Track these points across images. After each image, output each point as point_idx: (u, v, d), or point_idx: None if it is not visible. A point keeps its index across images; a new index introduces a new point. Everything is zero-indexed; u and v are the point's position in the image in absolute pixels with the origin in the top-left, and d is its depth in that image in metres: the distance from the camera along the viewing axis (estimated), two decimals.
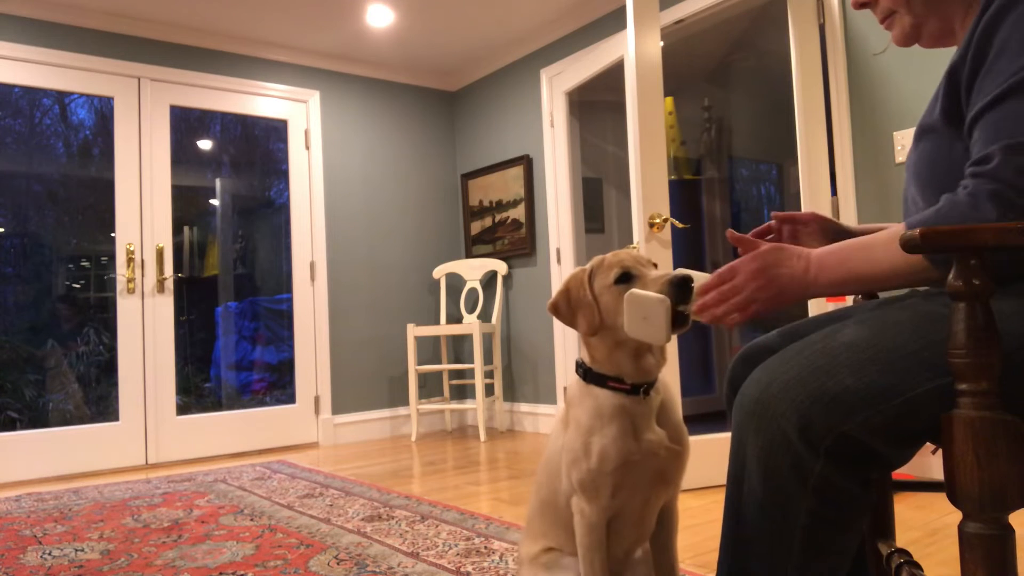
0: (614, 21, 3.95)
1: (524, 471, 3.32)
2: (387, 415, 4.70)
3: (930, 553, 1.94)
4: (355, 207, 4.71)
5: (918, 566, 1.12)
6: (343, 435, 4.50)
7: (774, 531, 0.95)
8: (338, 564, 2.00)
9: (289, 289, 4.47)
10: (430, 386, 4.91)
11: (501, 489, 2.97)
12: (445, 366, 4.54)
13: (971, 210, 0.86)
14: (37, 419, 3.75)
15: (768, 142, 4.96)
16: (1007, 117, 0.88)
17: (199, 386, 4.33)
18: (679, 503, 1.38)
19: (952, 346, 0.82)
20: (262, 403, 4.46)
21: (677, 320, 1.11)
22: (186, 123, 4.30)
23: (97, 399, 3.90)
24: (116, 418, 3.85)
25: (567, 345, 4.26)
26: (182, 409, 4.07)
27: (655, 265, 1.25)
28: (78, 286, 4.00)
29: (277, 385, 4.51)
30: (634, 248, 2.94)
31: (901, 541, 2.04)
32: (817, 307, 2.79)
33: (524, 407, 4.60)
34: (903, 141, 2.80)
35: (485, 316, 4.73)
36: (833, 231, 1.27)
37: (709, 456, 2.80)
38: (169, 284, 4.04)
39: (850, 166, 2.96)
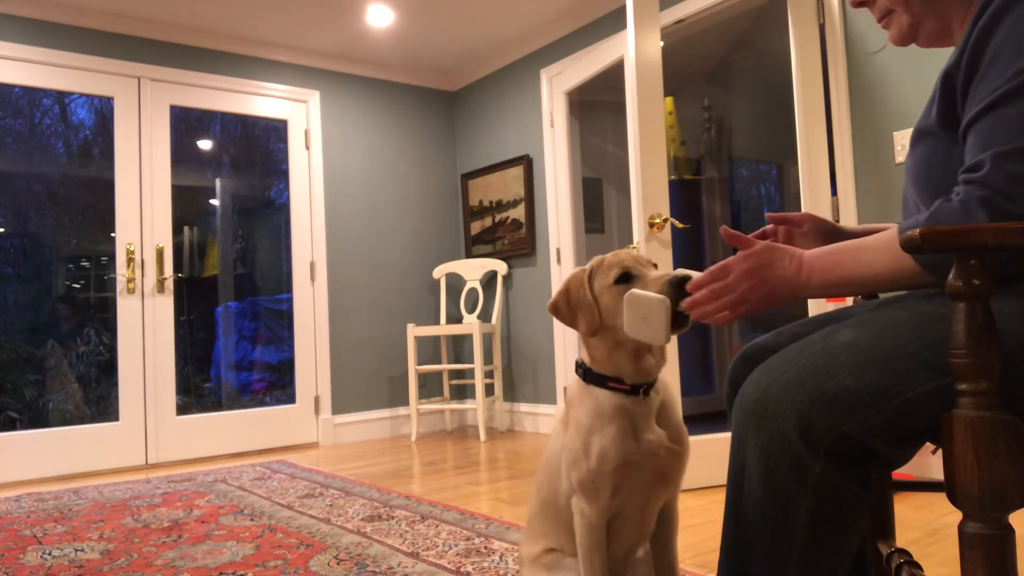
0: (614, 21, 3.95)
1: (524, 471, 3.32)
2: (387, 415, 4.70)
3: (930, 553, 1.94)
4: (355, 207, 4.71)
5: (918, 566, 1.12)
6: (343, 435, 4.50)
7: (774, 531, 0.95)
8: (338, 564, 2.00)
9: (289, 289, 4.47)
10: (430, 386, 4.91)
11: (501, 489, 2.97)
12: (445, 366, 4.54)
13: (962, 216, 0.87)
14: (37, 419, 3.75)
15: (768, 142, 4.96)
16: (999, 124, 0.88)
17: (199, 386, 4.33)
18: (679, 503, 1.38)
19: (952, 346, 0.82)
20: (262, 403, 4.46)
21: (677, 321, 1.11)
22: (186, 123, 4.30)
23: (97, 399, 3.90)
24: (116, 418, 3.85)
25: (567, 345, 4.26)
26: (182, 409, 4.07)
27: (655, 265, 1.25)
28: (78, 286, 4.00)
29: (277, 385, 4.51)
30: (634, 248, 2.94)
31: (901, 541, 2.04)
32: (817, 307, 2.79)
33: (524, 407, 4.60)
34: (903, 141, 2.80)
35: (485, 316, 4.73)
36: (828, 232, 1.27)
37: (709, 456, 2.80)
38: (169, 284, 4.04)
39: (850, 166, 2.96)
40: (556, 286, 4.36)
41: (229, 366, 4.49)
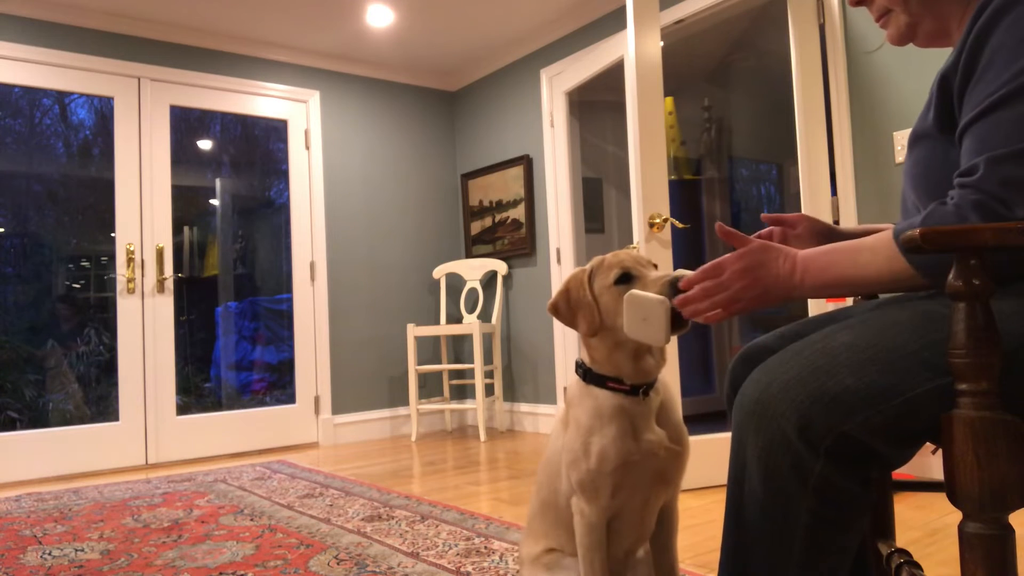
0: (614, 21, 3.95)
1: (524, 471, 3.32)
2: (387, 415, 4.70)
3: (930, 553, 1.94)
4: (355, 207, 4.71)
5: (918, 566, 1.12)
6: (343, 435, 4.50)
7: (775, 531, 0.95)
8: (338, 564, 2.00)
9: (289, 289, 4.47)
10: (430, 386, 4.91)
11: (501, 489, 2.97)
12: (445, 366, 4.54)
13: (956, 220, 0.87)
14: (37, 419, 3.75)
15: (768, 142, 4.96)
16: (994, 128, 0.88)
17: (199, 386, 4.33)
18: (679, 503, 1.38)
19: (952, 346, 0.82)
20: (262, 403, 4.46)
21: (677, 322, 1.11)
22: (186, 123, 4.30)
23: (97, 399, 3.90)
24: (116, 418, 3.85)
25: (567, 345, 4.26)
26: (182, 409, 4.08)
27: (655, 266, 1.25)
28: (78, 286, 4.00)
29: (277, 385, 4.51)
30: (634, 248, 2.94)
31: (901, 541, 2.04)
32: (817, 307, 2.79)
33: (524, 407, 4.60)
34: (903, 141, 2.80)
35: (485, 316, 4.73)
36: (823, 233, 1.26)
37: (709, 456, 2.80)
38: (169, 284, 4.04)
39: (850, 166, 2.96)
40: (556, 286, 4.36)
41: (229, 366, 4.49)
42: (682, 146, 4.90)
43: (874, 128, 2.90)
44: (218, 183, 4.55)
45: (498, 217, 4.76)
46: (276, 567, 2.00)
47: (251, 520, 2.55)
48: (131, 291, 3.92)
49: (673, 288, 1.12)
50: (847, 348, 0.91)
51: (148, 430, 3.92)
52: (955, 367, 0.81)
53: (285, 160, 4.54)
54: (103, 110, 4.02)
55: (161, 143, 4.08)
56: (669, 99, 4.50)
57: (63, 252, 3.95)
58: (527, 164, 4.54)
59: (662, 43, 2.94)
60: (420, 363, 4.76)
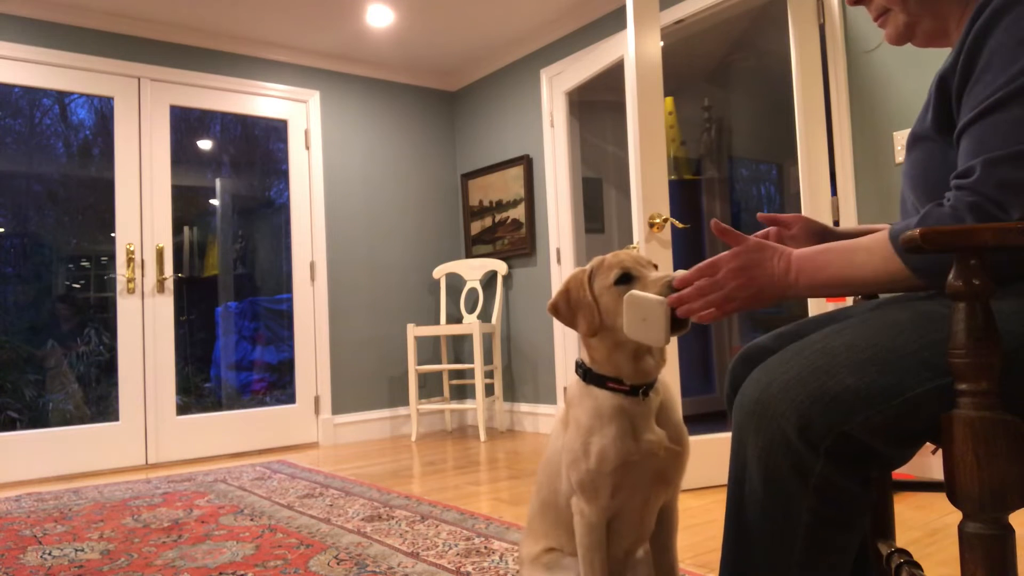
0: (614, 21, 3.95)
1: (524, 471, 3.32)
2: (387, 415, 4.70)
3: (930, 553, 1.94)
4: (355, 207, 4.71)
5: (918, 566, 1.12)
6: (343, 435, 4.50)
7: (776, 531, 0.95)
8: (338, 564, 2.00)
9: (289, 289, 4.47)
10: (430, 386, 4.91)
11: (501, 489, 2.97)
12: (445, 366, 4.54)
13: (952, 222, 0.88)
14: (37, 419, 3.75)
15: (768, 142, 4.96)
16: (991, 130, 0.88)
17: (199, 386, 4.33)
18: (679, 503, 1.38)
19: (952, 346, 0.82)
20: (262, 403, 4.46)
21: (677, 322, 1.11)
22: (186, 123, 4.30)
23: (97, 399, 3.90)
24: (116, 418, 3.85)
25: (567, 345, 4.26)
26: (182, 409, 4.08)
27: (655, 266, 1.25)
28: (78, 286, 4.00)
29: (277, 385, 4.51)
30: (634, 248, 2.94)
31: (901, 541, 2.04)
32: (817, 307, 2.79)
33: (524, 407, 4.60)
34: (903, 141, 2.80)
35: (485, 316, 4.73)
36: (818, 233, 1.26)
37: (709, 456, 2.80)
38: (169, 284, 4.04)
39: (850, 166, 2.96)
40: (556, 286, 4.36)
41: (229, 366, 4.49)
42: (682, 146, 4.90)
43: (874, 128, 2.90)
44: (218, 183, 4.55)
45: (498, 217, 4.76)
46: (276, 567, 2.00)
47: (251, 520, 2.55)
48: (131, 291, 3.92)
49: (673, 289, 1.12)
50: (847, 348, 0.91)
51: (148, 430, 3.92)
52: (955, 367, 0.81)
53: (285, 160, 4.54)
54: (103, 110, 4.02)
55: (161, 143, 4.08)
56: (669, 99, 4.50)
57: (63, 252, 3.95)
58: (527, 164, 4.54)
59: (662, 43, 2.94)
60: (420, 363, 4.76)
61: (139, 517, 2.65)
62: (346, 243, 4.65)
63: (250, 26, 4.16)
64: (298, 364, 4.43)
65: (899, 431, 0.88)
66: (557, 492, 1.32)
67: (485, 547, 2.11)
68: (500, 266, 4.64)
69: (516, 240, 4.62)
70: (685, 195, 4.97)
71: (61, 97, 4.00)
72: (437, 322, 4.89)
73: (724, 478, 2.74)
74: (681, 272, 1.13)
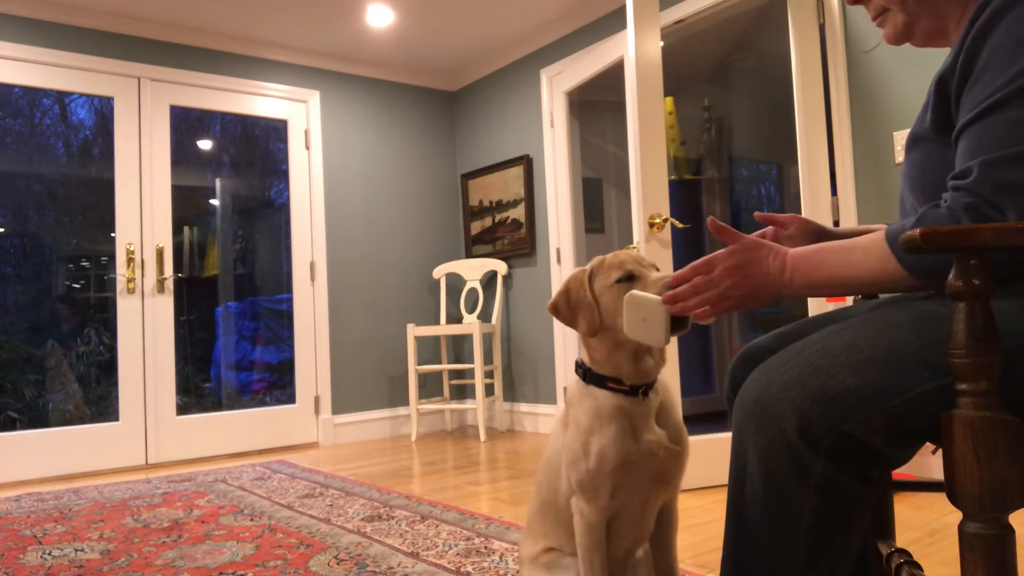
0: (614, 21, 3.95)
1: (524, 471, 3.32)
2: (387, 415, 4.70)
3: (930, 553, 1.94)
4: (355, 207, 4.71)
5: (918, 566, 1.12)
6: (343, 435, 4.50)
7: (776, 531, 0.95)
8: (338, 564, 2.00)
9: (289, 289, 4.47)
10: (430, 386, 4.91)
11: (501, 489, 2.97)
12: (445, 366, 4.54)
13: (949, 222, 0.88)
14: (37, 419, 3.75)
15: (768, 142, 4.96)
16: (989, 131, 0.88)
17: (199, 386, 4.33)
18: (679, 503, 1.38)
19: (952, 346, 0.82)
20: (262, 403, 4.46)
21: (677, 322, 1.11)
22: (186, 123, 4.30)
23: (97, 399, 3.90)
24: (116, 418, 3.85)
25: (567, 345, 4.26)
26: (182, 409, 4.08)
27: (656, 267, 1.25)
28: (78, 286, 4.00)
29: (277, 385, 4.51)
30: (634, 248, 2.94)
31: (901, 541, 2.04)
32: (817, 307, 2.79)
33: (524, 407, 4.60)
34: (903, 141, 2.80)
35: (485, 316, 4.73)
36: (815, 233, 1.26)
37: (709, 456, 2.80)
38: (169, 284, 4.04)
39: (850, 166, 2.96)
40: (556, 286, 4.36)
41: (229, 366, 4.49)
42: (682, 146, 4.90)
43: (874, 128, 2.90)
44: (218, 183, 4.55)
45: (498, 217, 4.76)
46: (276, 567, 2.00)
47: (251, 520, 2.55)
48: (131, 291, 3.92)
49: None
50: (847, 348, 0.91)
51: (148, 430, 3.92)
52: (955, 367, 0.81)
53: (285, 160, 4.54)
54: (103, 110, 4.02)
55: (161, 143, 4.08)
56: (669, 99, 4.50)
57: (63, 252, 3.95)
58: (527, 164, 4.54)
59: (662, 43, 2.94)
60: (420, 363, 4.76)
61: (139, 517, 2.65)
62: (346, 243, 4.65)
63: (250, 26, 4.16)
64: (298, 364, 4.43)
65: (899, 431, 0.88)
66: (557, 492, 1.32)
67: (485, 547, 2.12)
68: (500, 266, 4.64)
69: (516, 240, 4.62)
70: (685, 195, 4.97)
71: (61, 97, 4.00)
72: (437, 322, 4.89)
73: (724, 478, 2.74)
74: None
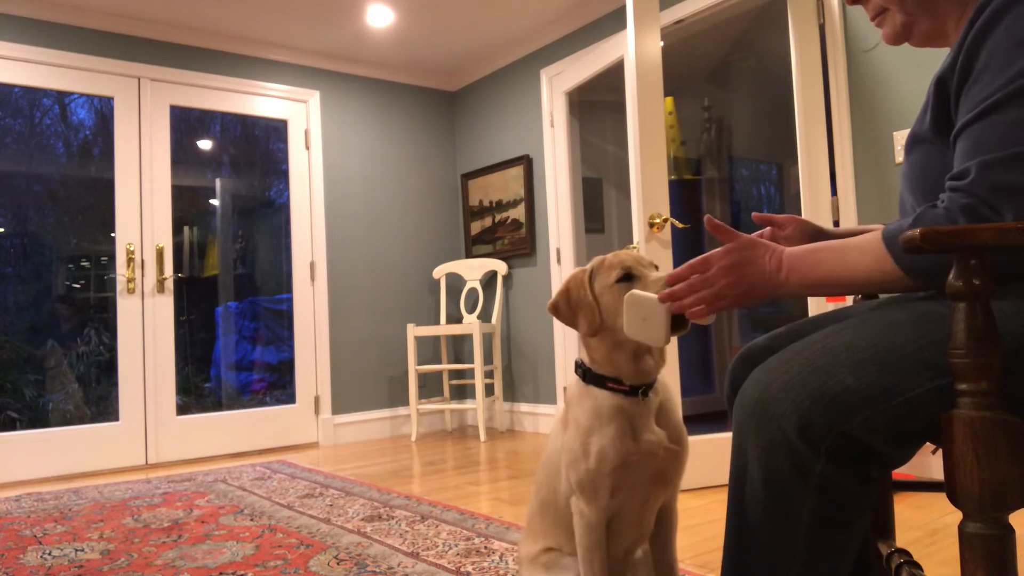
0: (614, 21, 3.95)
1: (524, 471, 3.32)
2: (387, 415, 4.70)
3: (930, 553, 1.94)
4: (355, 207, 4.71)
5: (918, 566, 1.12)
6: (343, 435, 4.50)
7: (777, 531, 0.95)
8: (338, 564, 2.00)
9: (289, 289, 4.47)
10: (430, 386, 4.91)
11: (501, 489, 2.97)
12: (445, 366, 4.54)
13: (945, 223, 0.88)
14: (37, 419, 3.75)
15: (768, 142, 4.96)
16: (988, 131, 0.88)
17: (199, 386, 4.33)
18: (679, 503, 1.38)
19: (952, 346, 0.82)
20: (262, 403, 4.46)
21: (677, 322, 1.11)
22: (186, 123, 4.30)
23: (97, 399, 3.90)
24: (116, 418, 3.85)
25: (567, 345, 4.26)
26: (182, 409, 4.08)
27: (656, 267, 1.25)
28: (78, 286, 4.00)
29: (277, 385, 4.51)
30: (634, 248, 2.94)
31: (901, 541, 2.04)
32: (817, 307, 2.79)
33: (524, 407, 4.60)
34: (903, 141, 2.80)
35: (485, 316, 4.73)
36: (812, 234, 1.26)
37: (709, 456, 2.80)
38: (169, 284, 4.04)
39: (850, 166, 2.96)
40: (556, 286, 4.36)
41: (229, 366, 4.49)
42: (682, 146, 4.90)
43: (874, 128, 2.90)
44: (218, 183, 4.55)
45: (498, 217, 4.76)
46: (276, 567, 2.00)
47: (251, 520, 2.55)
48: (131, 291, 3.92)
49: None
50: (847, 348, 0.91)
51: (148, 430, 3.92)
52: (955, 367, 0.81)
53: (285, 160, 4.54)
54: (103, 110, 4.02)
55: (161, 143, 4.08)
56: (669, 99, 4.50)
57: (63, 252, 3.95)
58: (527, 164, 4.54)
59: (662, 43, 2.94)
60: (420, 363, 4.76)
61: (139, 517, 2.65)
62: (346, 243, 4.65)
63: (250, 26, 4.16)
64: (298, 364, 4.43)
65: (899, 431, 0.88)
66: (556, 492, 1.32)
67: (485, 547, 2.12)
68: (500, 266, 4.64)
69: (516, 240, 4.62)
70: (685, 195, 4.97)
71: (61, 97, 4.00)
72: (437, 322, 4.89)
73: (724, 478, 2.74)
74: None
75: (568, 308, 1.26)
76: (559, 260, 4.30)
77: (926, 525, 2.19)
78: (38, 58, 3.74)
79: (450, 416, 4.86)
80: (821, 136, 2.91)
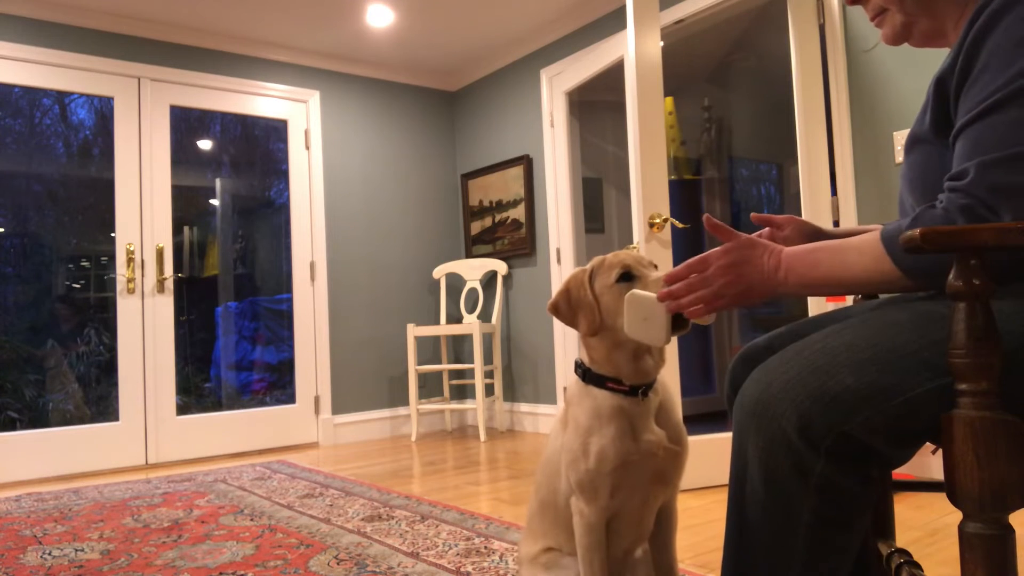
0: (614, 21, 3.95)
1: (524, 471, 3.32)
2: (387, 415, 4.70)
3: (930, 553, 1.94)
4: (355, 207, 4.71)
5: (918, 566, 1.12)
6: (343, 435, 4.50)
7: (777, 531, 0.95)
8: (338, 564, 2.00)
9: (289, 289, 4.47)
10: (430, 386, 4.91)
11: (501, 489, 2.97)
12: (445, 366, 4.54)
13: (944, 223, 0.88)
14: (37, 419, 3.75)
15: (768, 142, 4.96)
16: (987, 132, 0.88)
17: (199, 386, 4.33)
18: (679, 503, 1.38)
19: (952, 346, 0.82)
20: (262, 403, 4.46)
21: (677, 322, 1.11)
22: (186, 123, 4.30)
23: (97, 399, 3.90)
24: (116, 418, 3.85)
25: (567, 345, 4.26)
26: (182, 409, 4.07)
27: (656, 266, 1.25)
28: (78, 286, 4.00)
29: (277, 385, 4.51)
30: (634, 248, 2.94)
31: (901, 541, 2.04)
32: (817, 307, 2.79)
33: (524, 407, 4.60)
34: (903, 141, 2.80)
35: (485, 316, 4.73)
36: (810, 234, 1.26)
37: (709, 456, 2.80)
38: (169, 284, 4.04)
39: (850, 166, 2.96)
40: (556, 286, 4.36)
41: (229, 366, 4.49)
42: (682, 146, 4.90)
43: (874, 128, 2.90)
44: (218, 183, 4.55)
45: (498, 217, 4.76)
46: (276, 567, 2.00)
47: (251, 520, 2.55)
48: (131, 291, 3.92)
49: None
50: (847, 348, 0.91)
51: (148, 430, 3.92)
52: (955, 367, 0.81)
53: (285, 160, 4.54)
54: (103, 110, 4.02)
55: (161, 143, 4.08)
56: (669, 99, 4.50)
57: (63, 252, 3.95)
58: (527, 164, 4.54)
59: (662, 43, 2.94)
60: (420, 363, 4.76)
61: (139, 517, 2.65)
62: (346, 243, 4.65)
63: (250, 26, 4.16)
64: (298, 364, 4.43)
65: (899, 431, 0.88)
66: (556, 492, 1.32)
67: (485, 547, 2.12)
68: (500, 266, 4.64)
69: (516, 240, 4.62)
70: (685, 195, 4.97)
71: (61, 97, 4.00)
72: (437, 322, 4.89)
73: (724, 478, 2.74)
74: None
75: (568, 308, 1.26)
76: (559, 260, 4.30)
77: (926, 525, 2.19)
78: (38, 58, 3.74)
79: (450, 416, 4.86)
80: (821, 136, 2.91)
